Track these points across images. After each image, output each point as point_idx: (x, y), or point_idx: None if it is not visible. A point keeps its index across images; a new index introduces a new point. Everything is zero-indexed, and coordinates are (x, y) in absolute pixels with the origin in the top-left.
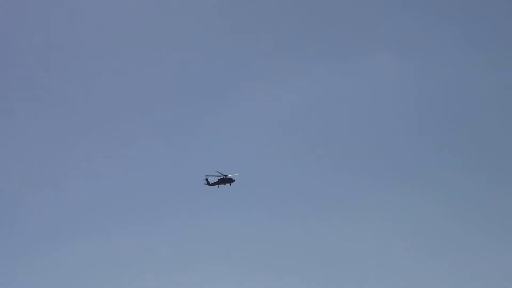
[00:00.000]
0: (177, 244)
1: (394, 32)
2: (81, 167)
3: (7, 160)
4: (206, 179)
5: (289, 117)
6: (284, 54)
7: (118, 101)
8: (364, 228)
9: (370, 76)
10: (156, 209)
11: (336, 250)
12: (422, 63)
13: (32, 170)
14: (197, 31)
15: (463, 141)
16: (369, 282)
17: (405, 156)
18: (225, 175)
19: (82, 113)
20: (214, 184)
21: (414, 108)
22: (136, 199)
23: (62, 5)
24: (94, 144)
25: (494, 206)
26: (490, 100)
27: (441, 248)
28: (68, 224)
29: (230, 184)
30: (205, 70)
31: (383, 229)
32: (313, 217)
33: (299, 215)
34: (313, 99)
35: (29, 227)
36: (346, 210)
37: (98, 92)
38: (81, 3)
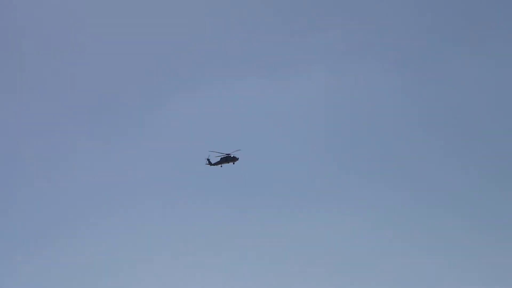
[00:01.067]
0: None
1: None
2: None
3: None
4: (208, 159)
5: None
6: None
7: (115, 92)
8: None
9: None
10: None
11: (337, 245)
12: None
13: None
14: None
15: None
16: (371, 280)
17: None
18: (228, 154)
19: (77, 104)
20: (216, 163)
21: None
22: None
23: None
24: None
25: (494, 206)
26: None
27: (441, 248)
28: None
29: (234, 163)
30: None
31: (383, 227)
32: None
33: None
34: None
35: (26, 224)
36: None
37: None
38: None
